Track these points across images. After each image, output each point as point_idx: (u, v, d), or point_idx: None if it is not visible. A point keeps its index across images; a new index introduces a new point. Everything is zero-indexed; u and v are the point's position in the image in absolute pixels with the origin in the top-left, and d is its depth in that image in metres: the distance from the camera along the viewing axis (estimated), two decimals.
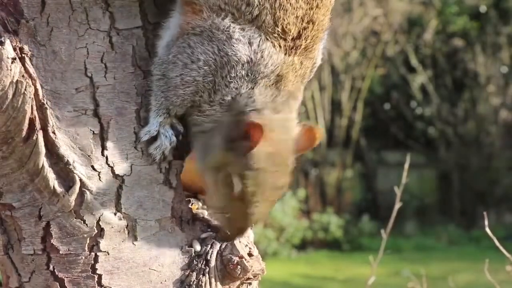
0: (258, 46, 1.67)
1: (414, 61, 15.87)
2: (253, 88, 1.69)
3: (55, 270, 1.71)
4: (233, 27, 1.66)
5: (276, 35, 1.68)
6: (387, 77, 16.50)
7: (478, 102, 15.84)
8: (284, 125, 1.73)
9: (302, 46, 1.72)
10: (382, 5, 15.52)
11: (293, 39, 1.70)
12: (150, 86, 1.72)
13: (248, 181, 1.68)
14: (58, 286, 1.71)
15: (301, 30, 1.70)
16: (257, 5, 1.66)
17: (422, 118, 16.15)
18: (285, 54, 1.70)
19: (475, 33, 15.97)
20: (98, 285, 1.70)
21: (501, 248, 2.56)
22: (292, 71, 1.72)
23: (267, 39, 1.68)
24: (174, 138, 1.74)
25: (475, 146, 15.75)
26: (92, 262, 1.70)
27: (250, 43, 1.67)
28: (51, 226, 1.69)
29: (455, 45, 16.12)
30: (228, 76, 1.67)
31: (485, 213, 2.57)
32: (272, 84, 1.70)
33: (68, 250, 1.70)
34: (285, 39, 1.69)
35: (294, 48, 1.71)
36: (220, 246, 1.76)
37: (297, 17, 1.69)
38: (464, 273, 10.79)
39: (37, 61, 1.67)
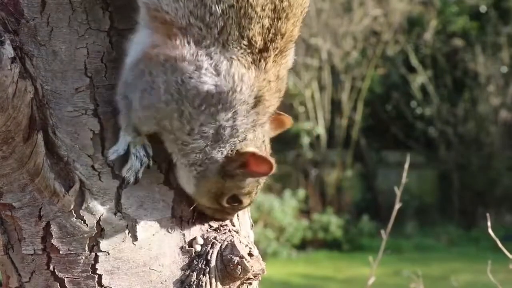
0: (227, 71, 1.60)
1: (414, 61, 15.88)
2: (235, 118, 1.63)
3: (55, 270, 1.71)
4: (201, 54, 1.59)
5: (243, 50, 1.60)
6: (387, 77, 16.51)
7: (478, 102, 15.85)
8: (264, 140, 1.74)
9: (271, 58, 1.63)
10: (382, 5, 15.54)
11: (260, 51, 1.61)
12: (116, 104, 1.69)
13: (251, 194, 1.77)
14: (58, 286, 1.71)
15: (268, 42, 1.61)
16: (221, 15, 1.57)
17: (422, 118, 16.17)
18: (256, 69, 1.62)
19: (475, 33, 15.98)
20: (98, 285, 1.70)
21: (503, 249, 2.55)
22: (268, 91, 1.65)
23: (234, 58, 1.60)
24: (145, 159, 1.70)
25: (475, 146, 15.76)
26: (92, 262, 1.70)
27: (218, 71, 1.60)
28: (51, 226, 1.69)
29: (455, 45, 16.12)
30: (201, 107, 1.61)
31: (488, 214, 2.56)
32: (252, 108, 1.64)
33: (68, 250, 1.70)
34: (252, 53, 1.61)
35: (264, 60, 1.63)
36: (221, 246, 1.76)
37: (263, 26, 1.59)
38: (464, 273, 10.80)
39: (37, 61, 1.67)
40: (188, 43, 1.60)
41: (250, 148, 1.68)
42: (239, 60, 1.61)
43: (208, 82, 1.60)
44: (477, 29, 15.99)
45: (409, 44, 16.06)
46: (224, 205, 1.76)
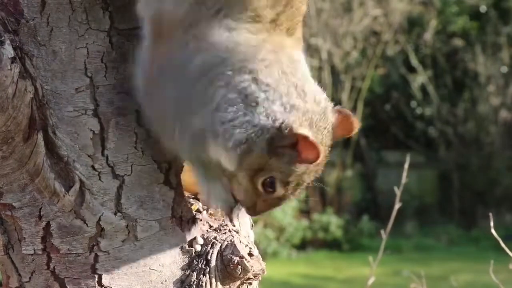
0: (247, 40, 1.58)
1: (414, 61, 15.88)
2: (256, 78, 1.58)
3: (55, 270, 1.70)
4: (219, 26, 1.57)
5: (250, 19, 1.59)
6: (387, 77, 16.52)
7: (478, 102, 15.86)
8: (324, 115, 1.63)
9: (285, 26, 1.63)
10: (382, 5, 15.54)
11: (272, 22, 1.61)
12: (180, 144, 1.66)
13: (289, 185, 1.65)
14: (58, 286, 1.70)
15: (280, 13, 1.61)
16: None
17: (422, 118, 16.18)
18: (267, 32, 1.61)
19: (475, 33, 15.99)
20: (98, 285, 1.70)
21: (506, 249, 2.55)
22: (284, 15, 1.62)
23: (246, 29, 1.59)
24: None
25: (475, 146, 15.77)
26: (92, 262, 1.70)
27: (230, 30, 1.58)
28: (51, 226, 1.69)
29: (455, 45, 16.14)
30: (215, 79, 1.58)
31: (490, 214, 2.55)
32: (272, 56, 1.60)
33: (68, 250, 1.70)
34: (261, 22, 1.60)
35: (277, 27, 1.62)
36: (221, 246, 1.76)
37: None
38: (464, 273, 10.81)
39: (37, 61, 1.67)
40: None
41: (304, 130, 1.57)
42: (246, 27, 1.58)
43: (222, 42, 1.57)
44: (477, 29, 16.00)
45: (409, 44, 16.07)
46: (258, 187, 1.64)
